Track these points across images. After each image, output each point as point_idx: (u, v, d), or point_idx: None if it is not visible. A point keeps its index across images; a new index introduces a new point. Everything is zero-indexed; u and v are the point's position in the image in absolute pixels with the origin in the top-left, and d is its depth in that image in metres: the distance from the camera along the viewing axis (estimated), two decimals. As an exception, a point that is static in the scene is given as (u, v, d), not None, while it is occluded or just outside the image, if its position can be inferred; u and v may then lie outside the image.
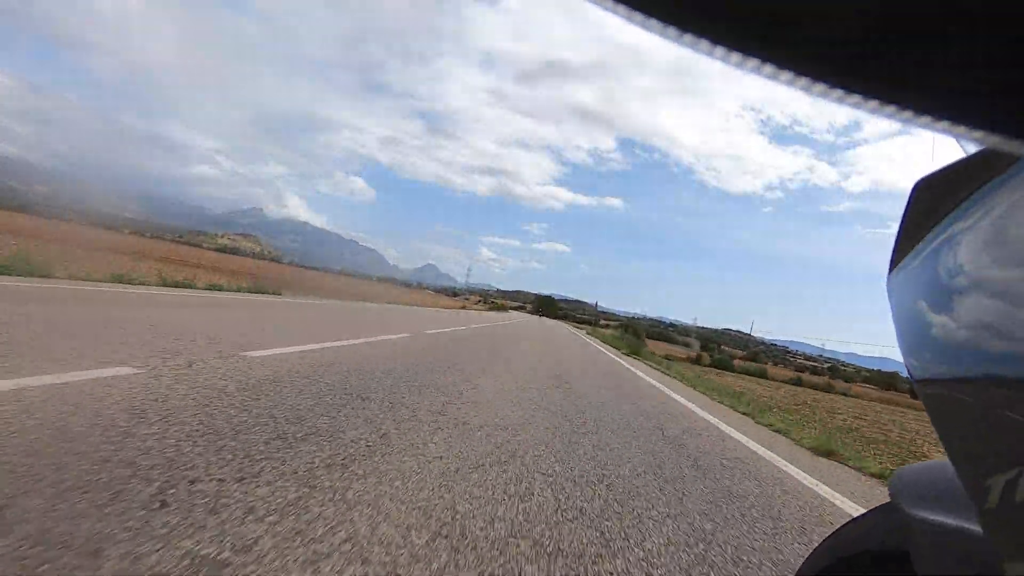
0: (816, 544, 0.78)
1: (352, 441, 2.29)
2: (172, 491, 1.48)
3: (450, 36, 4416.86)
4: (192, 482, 1.57)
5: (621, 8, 0.17)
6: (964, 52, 0.15)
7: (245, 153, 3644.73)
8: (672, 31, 0.16)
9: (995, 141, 0.17)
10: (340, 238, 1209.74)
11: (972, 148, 0.39)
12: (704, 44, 0.16)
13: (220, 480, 1.62)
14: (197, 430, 2.03)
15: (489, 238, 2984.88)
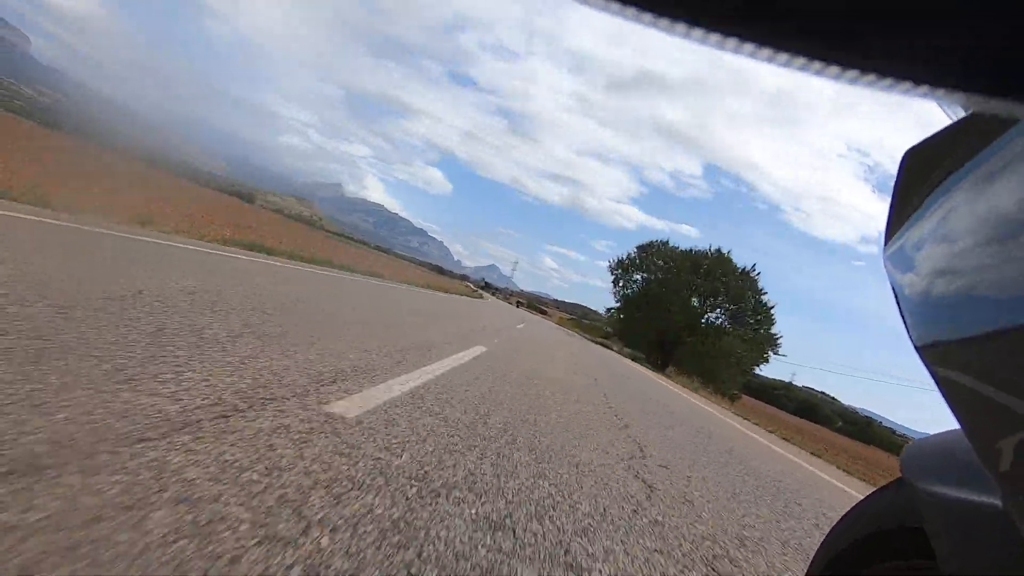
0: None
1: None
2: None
3: (545, 35, 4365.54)
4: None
5: (614, 6, 0.17)
6: (938, 12, 0.15)
7: (333, 130, 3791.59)
8: (665, 22, 0.16)
9: (977, 102, 0.17)
10: (411, 225, 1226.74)
11: (956, 113, 0.39)
12: (681, 26, 0.16)
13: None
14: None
15: (554, 248, 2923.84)
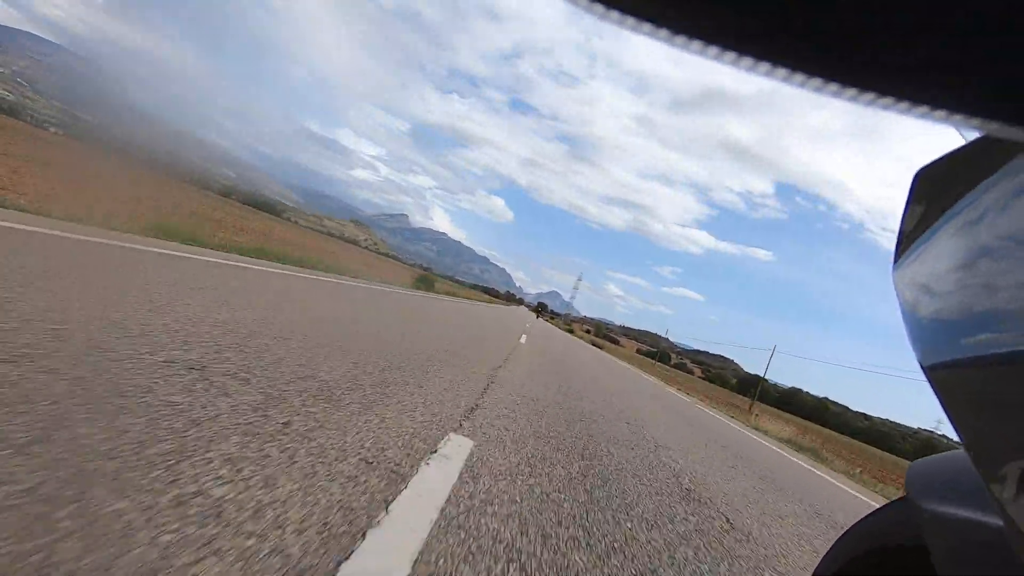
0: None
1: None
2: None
3: (604, 58, 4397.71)
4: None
5: (613, 14, 0.17)
6: (958, 37, 0.15)
7: (400, 162, 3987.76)
8: (664, 33, 0.16)
9: (992, 128, 0.17)
10: (473, 253, 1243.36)
11: (971, 135, 0.39)
12: (696, 44, 0.16)
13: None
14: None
15: (617, 274, 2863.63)
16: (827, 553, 0.78)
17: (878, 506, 0.75)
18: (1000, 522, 0.38)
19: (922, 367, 0.38)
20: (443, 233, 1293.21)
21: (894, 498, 0.72)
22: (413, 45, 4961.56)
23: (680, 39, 0.16)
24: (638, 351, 76.44)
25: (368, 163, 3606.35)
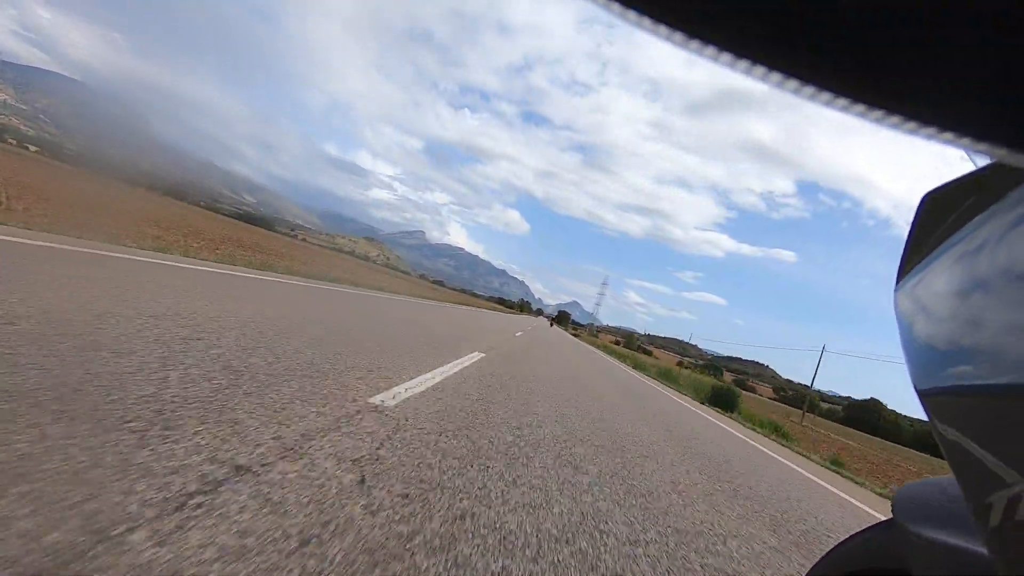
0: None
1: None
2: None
3: (616, 64, 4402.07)
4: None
5: (631, 14, 0.17)
6: (969, 60, 0.15)
7: (416, 180, 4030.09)
8: (678, 36, 0.16)
9: (1001, 154, 0.17)
10: (491, 266, 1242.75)
11: (980, 161, 0.39)
12: (710, 50, 0.16)
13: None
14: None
15: (637, 281, 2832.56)
16: (810, 571, 0.76)
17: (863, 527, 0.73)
18: (986, 550, 0.39)
19: (916, 390, 0.39)
20: (460, 248, 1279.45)
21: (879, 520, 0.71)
22: (425, 64, 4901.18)
23: (695, 43, 0.16)
24: (678, 364, 62.64)
25: (385, 183, 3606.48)
